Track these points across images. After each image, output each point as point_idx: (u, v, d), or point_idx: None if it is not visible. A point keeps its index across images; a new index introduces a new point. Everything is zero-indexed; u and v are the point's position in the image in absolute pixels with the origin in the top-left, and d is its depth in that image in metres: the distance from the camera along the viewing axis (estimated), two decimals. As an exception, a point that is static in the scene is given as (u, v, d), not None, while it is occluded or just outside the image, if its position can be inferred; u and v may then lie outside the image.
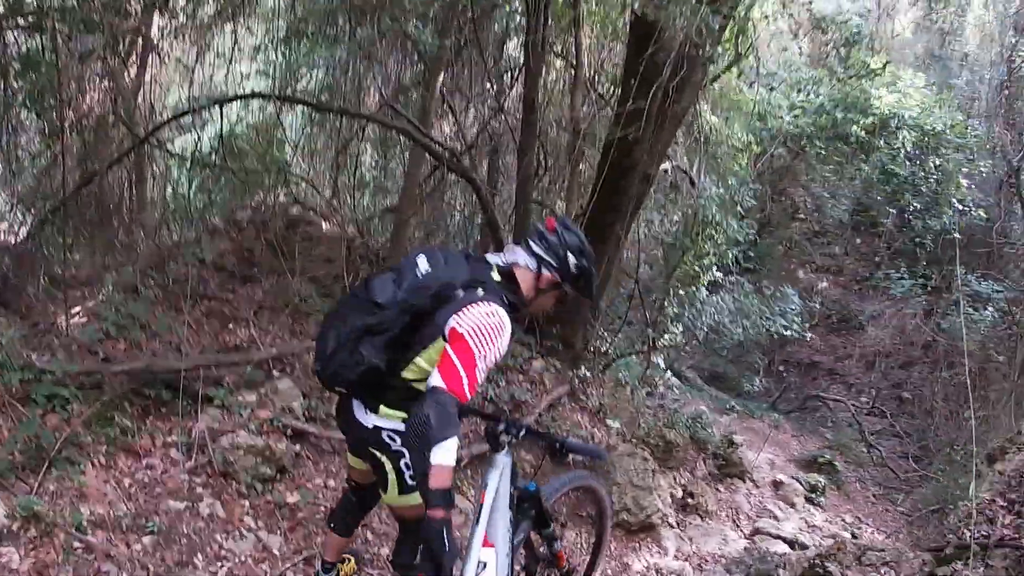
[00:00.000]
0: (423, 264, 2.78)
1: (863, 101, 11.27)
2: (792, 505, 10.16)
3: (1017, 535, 4.70)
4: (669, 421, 8.58)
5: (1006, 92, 12.82)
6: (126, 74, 7.53)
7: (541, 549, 3.49)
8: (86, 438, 4.26)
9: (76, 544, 3.61)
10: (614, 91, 7.73)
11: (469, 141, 8.21)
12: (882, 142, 11.53)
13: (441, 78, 7.25)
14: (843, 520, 10.52)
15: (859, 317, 15.61)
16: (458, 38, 7.51)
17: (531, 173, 7.71)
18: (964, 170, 12.33)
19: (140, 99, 7.94)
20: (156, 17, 7.50)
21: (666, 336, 8.93)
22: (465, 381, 2.48)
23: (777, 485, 10.34)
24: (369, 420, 2.86)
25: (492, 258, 2.96)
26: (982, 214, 12.38)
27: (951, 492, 9.57)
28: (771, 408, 13.83)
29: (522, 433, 2.94)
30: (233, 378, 5.07)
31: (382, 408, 2.84)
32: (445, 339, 2.63)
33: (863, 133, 11.35)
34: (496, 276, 2.84)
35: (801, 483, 10.81)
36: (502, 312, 2.68)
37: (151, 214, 7.85)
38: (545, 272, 2.90)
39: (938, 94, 12.66)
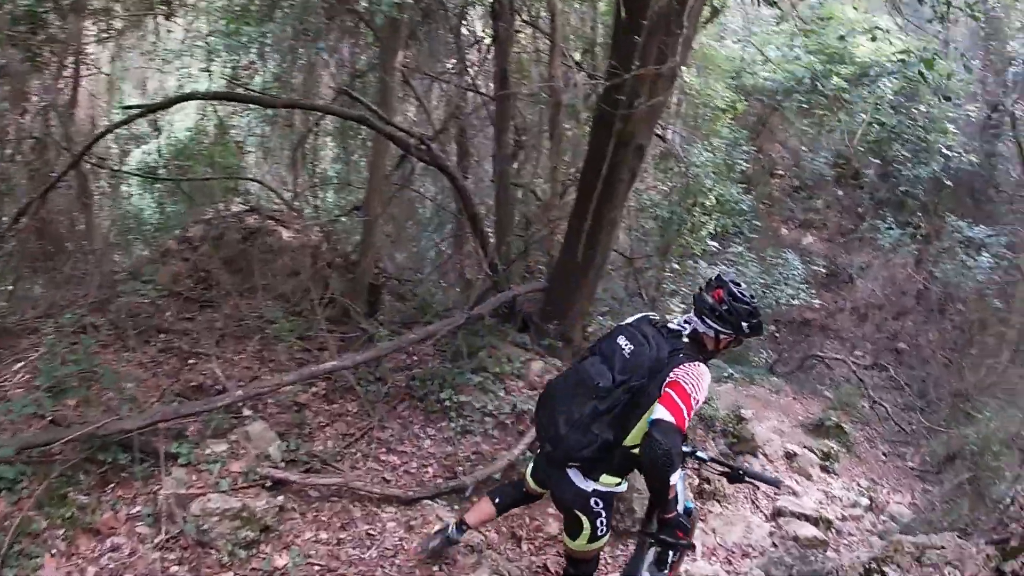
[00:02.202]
0: (625, 344, 3.19)
1: (842, 50, 10.67)
2: (808, 477, 9.70)
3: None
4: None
5: (982, 34, 12.32)
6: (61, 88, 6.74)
7: None
8: (40, 523, 3.61)
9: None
10: (594, 58, 7.01)
11: (438, 124, 7.43)
12: (865, 91, 10.97)
13: (400, 57, 6.48)
14: (859, 485, 10.11)
15: (848, 271, 15.15)
16: (414, 12, 6.72)
17: (508, 153, 7.03)
18: (951, 115, 11.83)
19: (81, 115, 7.12)
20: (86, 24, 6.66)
21: (667, 316, 8.36)
22: (685, 415, 2.88)
23: (791, 457, 9.86)
24: (589, 485, 3.23)
25: (676, 326, 3.33)
26: (973, 159, 11.90)
27: (970, 448, 9.20)
28: (769, 372, 13.35)
29: (705, 457, 3.63)
30: (198, 426, 4.40)
31: (603, 477, 3.23)
32: (661, 390, 2.99)
33: (845, 83, 10.77)
34: (685, 340, 3.25)
35: (814, 452, 10.37)
36: (703, 365, 3.10)
37: (100, 240, 7.04)
38: (723, 337, 3.29)
39: (919, 40, 12.12)
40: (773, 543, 7.15)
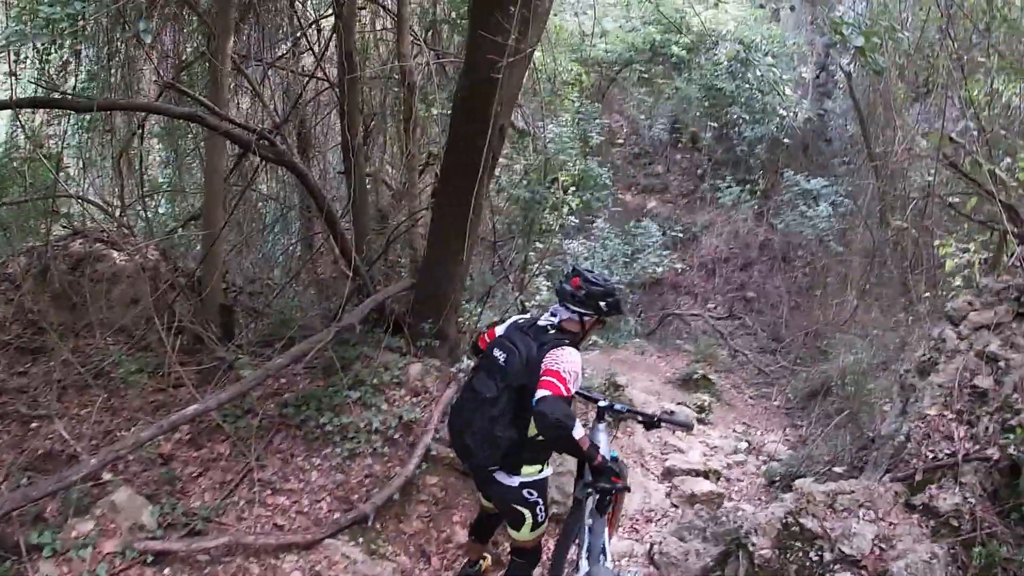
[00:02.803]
0: (500, 355, 3.49)
1: (679, 20, 10.77)
2: (696, 423, 9.85)
3: (980, 447, 4.26)
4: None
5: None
6: None
7: None
8: None
9: None
10: (439, 37, 6.46)
11: (278, 116, 6.61)
12: (702, 59, 11.14)
13: (232, 43, 5.65)
14: (735, 431, 10.38)
15: (692, 229, 15.61)
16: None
17: (360, 142, 6.38)
18: (785, 77, 12.33)
19: None
20: None
21: (536, 298, 8.02)
22: (562, 386, 3.18)
23: (671, 413, 9.95)
24: (515, 480, 3.50)
25: (544, 321, 3.61)
26: (810, 117, 12.48)
27: (835, 384, 9.63)
28: (631, 334, 13.47)
29: (621, 408, 4.09)
30: (57, 505, 3.57)
31: (524, 469, 3.50)
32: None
33: (683, 52, 10.88)
34: (552, 332, 3.51)
35: (689, 406, 10.54)
36: (568, 346, 3.42)
37: None
38: (587, 319, 3.62)
39: (752, 7, 12.53)
40: (673, 504, 7.10)
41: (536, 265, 8.18)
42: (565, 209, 7.84)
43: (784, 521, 4.47)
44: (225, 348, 5.30)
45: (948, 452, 4.37)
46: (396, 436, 5.13)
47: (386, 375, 5.46)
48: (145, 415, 4.91)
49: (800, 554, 4.33)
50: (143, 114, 7.07)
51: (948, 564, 4.06)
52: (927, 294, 6.85)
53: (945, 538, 4.11)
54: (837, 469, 6.77)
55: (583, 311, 3.57)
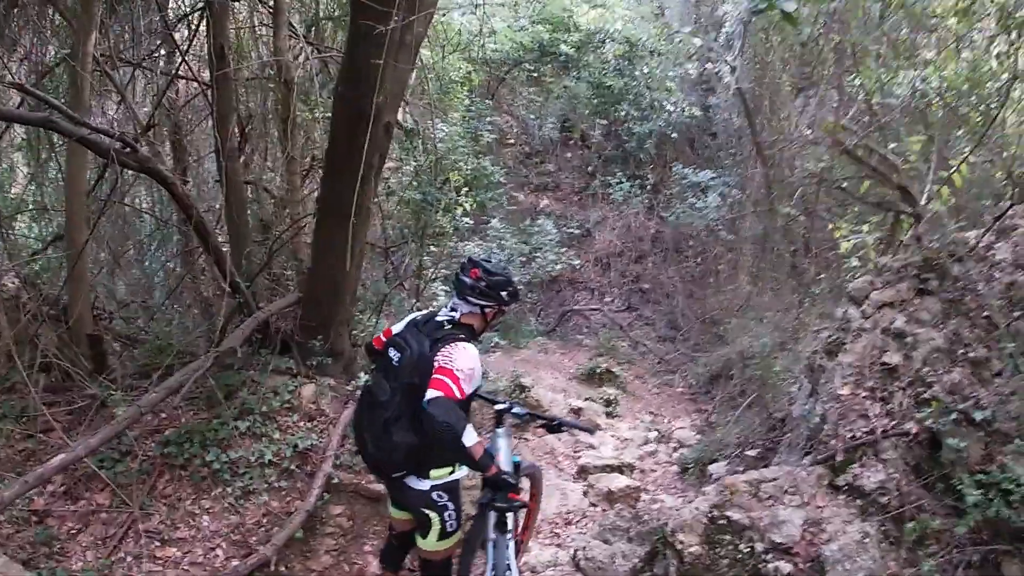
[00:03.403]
0: (394, 355, 3.27)
1: (567, 19, 10.59)
2: (598, 427, 9.69)
3: (896, 422, 4.23)
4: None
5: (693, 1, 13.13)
6: None
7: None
8: None
9: None
10: (320, 31, 5.93)
11: (146, 120, 5.87)
12: (591, 57, 11.03)
13: (93, 40, 4.94)
14: (643, 421, 10.34)
15: (585, 225, 15.62)
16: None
17: (236, 146, 5.77)
18: (671, 74, 12.42)
19: None
20: None
21: (434, 303, 7.59)
22: (454, 387, 2.98)
23: (577, 412, 9.76)
24: (425, 484, 3.28)
25: (442, 316, 3.36)
26: (695, 112, 12.61)
27: (734, 366, 9.73)
28: (533, 334, 13.27)
29: (521, 412, 3.83)
30: None
31: (433, 472, 3.27)
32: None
33: (572, 51, 10.72)
34: (448, 327, 3.28)
35: (595, 401, 10.41)
36: (462, 342, 3.18)
37: None
38: (488, 311, 3.40)
39: (638, 5, 12.55)
40: (591, 503, 6.87)
41: (432, 270, 7.76)
42: (459, 210, 7.48)
43: (710, 515, 4.30)
44: (96, 383, 4.60)
45: (866, 430, 4.32)
46: (292, 467, 4.62)
47: (276, 400, 4.92)
48: (15, 466, 4.19)
49: (730, 547, 4.16)
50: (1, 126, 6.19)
51: (880, 541, 3.99)
52: (821, 275, 6.94)
53: (874, 516, 4.04)
54: (750, 453, 6.75)
55: (484, 302, 3.37)
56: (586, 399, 10.47)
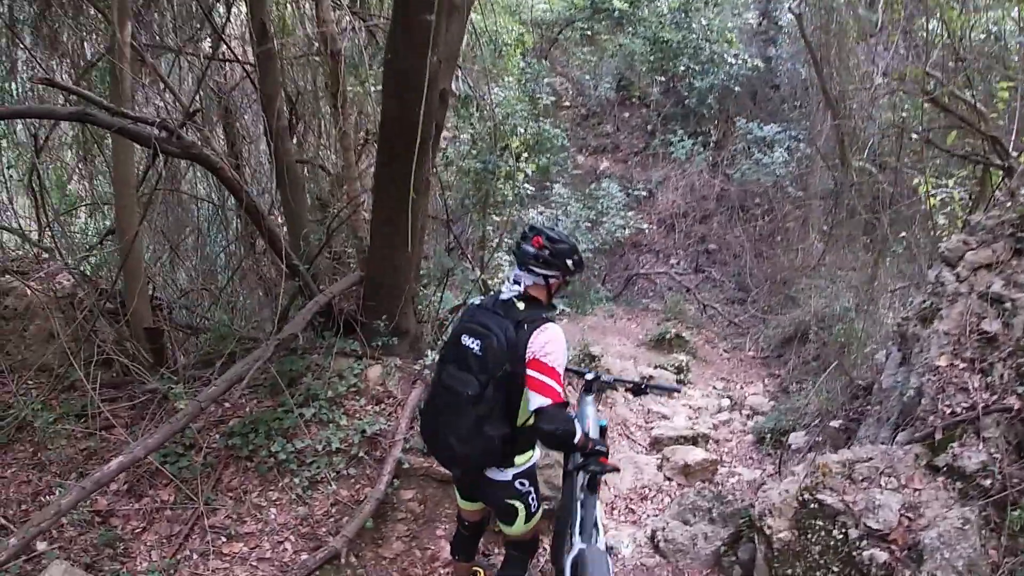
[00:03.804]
0: (472, 343, 2.96)
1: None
2: (683, 384, 9.39)
3: (998, 397, 3.79)
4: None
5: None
6: None
7: None
8: None
9: None
10: (373, 3, 5.65)
11: (191, 106, 5.74)
12: (645, 11, 10.43)
13: (129, 30, 4.81)
14: (715, 388, 9.97)
15: (647, 186, 15.10)
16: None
17: (285, 125, 5.60)
18: (730, 24, 11.69)
19: None
20: None
21: (496, 278, 7.33)
22: (558, 388, 2.81)
23: (650, 378, 9.46)
24: (507, 474, 3.08)
25: (508, 293, 3.09)
26: (757, 63, 11.86)
27: (810, 329, 9.22)
28: (598, 300, 12.94)
29: (608, 380, 3.98)
30: None
31: (516, 459, 3.08)
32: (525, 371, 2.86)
33: (625, 5, 10.14)
34: (521, 305, 3.02)
35: (667, 368, 10.07)
36: (550, 326, 2.93)
37: None
38: (553, 281, 3.14)
39: None
40: (666, 476, 6.60)
41: (495, 240, 7.50)
42: (520, 177, 7.15)
43: (800, 498, 3.96)
44: (156, 377, 4.55)
45: (966, 405, 3.89)
46: (361, 454, 4.47)
47: (341, 385, 4.77)
48: (76, 467, 4.17)
49: (822, 533, 3.84)
50: (49, 123, 6.20)
51: (981, 528, 3.61)
52: (902, 234, 6.39)
53: (975, 501, 3.65)
54: (832, 424, 6.32)
55: (548, 272, 3.09)
56: (656, 366, 10.15)
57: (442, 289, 6.51)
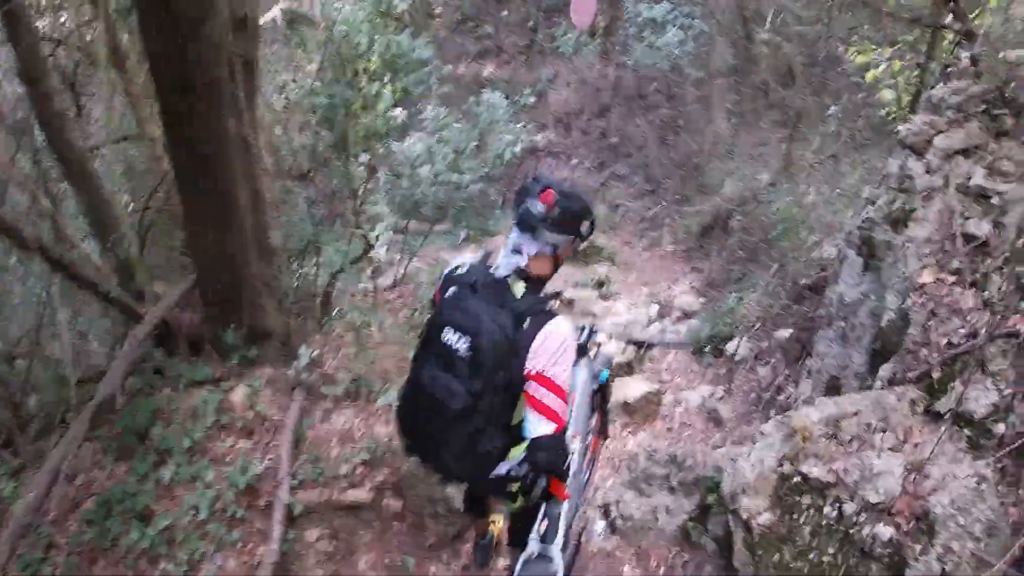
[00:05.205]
0: (458, 341, 2.25)
1: None
2: (595, 316, 8.55)
3: (1000, 317, 3.01)
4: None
5: None
6: None
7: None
8: None
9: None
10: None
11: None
12: None
13: None
14: (641, 296, 9.23)
15: (536, 86, 13.81)
16: None
17: (58, 111, 4.10)
18: None
19: None
20: None
21: (376, 229, 6.05)
22: (559, 410, 2.24)
23: (570, 304, 8.59)
24: (503, 468, 2.40)
25: (502, 266, 2.37)
26: None
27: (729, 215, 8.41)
28: (504, 214, 11.73)
29: (600, 336, 3.02)
30: None
31: (511, 452, 2.38)
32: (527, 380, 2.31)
33: None
34: (520, 289, 2.32)
35: (586, 287, 9.22)
36: (557, 325, 2.25)
37: None
38: (561, 250, 2.42)
39: None
40: (611, 418, 5.82)
41: (363, 186, 6.16)
42: (380, 106, 5.82)
43: (780, 472, 3.18)
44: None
45: (964, 332, 3.11)
46: (240, 511, 3.45)
47: (199, 425, 3.65)
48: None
49: (811, 512, 3.09)
50: None
51: (998, 483, 2.91)
52: (831, 111, 5.48)
53: (988, 452, 2.93)
54: (779, 333, 5.61)
55: (560, 237, 2.37)
56: (575, 284, 9.31)
57: (312, 262, 5.30)
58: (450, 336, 2.28)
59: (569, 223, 2.38)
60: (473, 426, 2.28)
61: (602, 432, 3.33)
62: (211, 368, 3.92)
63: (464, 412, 2.25)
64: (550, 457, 2.24)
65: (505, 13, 14.38)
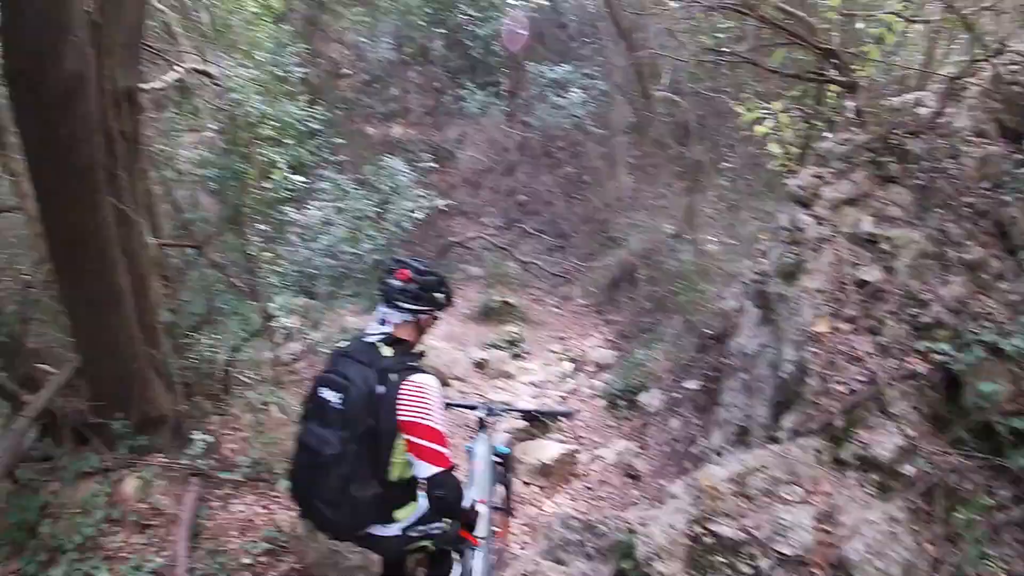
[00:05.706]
0: (331, 396, 2.55)
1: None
2: (508, 375, 8.40)
3: (898, 362, 3.10)
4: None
5: None
6: None
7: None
8: None
9: None
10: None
11: None
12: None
13: None
14: (554, 352, 9.18)
15: (444, 147, 13.90)
16: None
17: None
18: None
19: None
20: None
21: (276, 300, 5.71)
22: (442, 451, 2.50)
23: (482, 366, 8.43)
24: (391, 529, 2.70)
25: (372, 336, 2.70)
26: (543, 1, 10.68)
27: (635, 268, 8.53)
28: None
29: (499, 410, 3.62)
30: None
31: (396, 514, 2.70)
32: (401, 432, 2.53)
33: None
34: (388, 351, 2.63)
35: (499, 347, 9.08)
36: (420, 377, 2.56)
37: None
38: (423, 317, 2.77)
39: None
40: (524, 482, 5.66)
41: (264, 255, 5.86)
42: (278, 175, 5.63)
43: (691, 533, 3.09)
44: None
45: (862, 379, 3.16)
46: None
47: (88, 522, 3.27)
48: None
49: (728, 571, 2.98)
50: None
51: (911, 522, 2.94)
52: (726, 163, 5.68)
53: (898, 494, 2.95)
54: (689, 385, 5.64)
55: (418, 308, 2.73)
56: (488, 345, 9.17)
57: (209, 334, 4.96)
58: (326, 393, 2.55)
59: (424, 296, 2.71)
60: (344, 470, 2.48)
61: (507, 509, 3.41)
62: (100, 458, 3.55)
63: (336, 459, 2.46)
64: (447, 492, 2.50)
65: (412, 75, 14.50)
